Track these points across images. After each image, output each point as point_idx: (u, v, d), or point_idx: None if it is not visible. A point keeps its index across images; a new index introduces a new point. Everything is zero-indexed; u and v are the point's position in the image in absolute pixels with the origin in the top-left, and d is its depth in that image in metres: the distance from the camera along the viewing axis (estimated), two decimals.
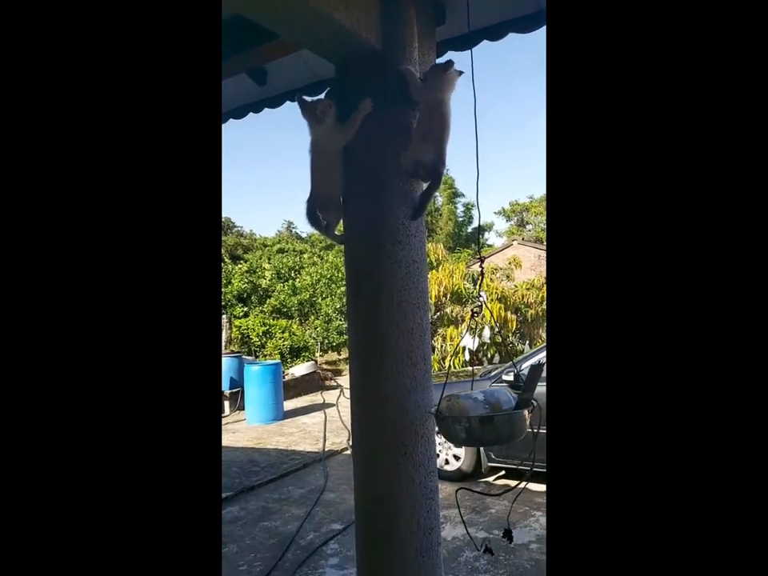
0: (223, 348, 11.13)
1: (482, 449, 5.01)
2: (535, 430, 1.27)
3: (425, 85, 1.51)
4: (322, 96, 1.74)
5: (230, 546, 3.88)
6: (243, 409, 8.40)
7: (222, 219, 27.48)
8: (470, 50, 1.64)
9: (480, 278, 1.57)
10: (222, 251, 21.98)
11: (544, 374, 1.19)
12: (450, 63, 1.50)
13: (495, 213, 34.07)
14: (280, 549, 3.76)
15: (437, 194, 24.65)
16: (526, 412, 1.27)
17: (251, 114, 2.43)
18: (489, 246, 26.86)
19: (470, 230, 27.98)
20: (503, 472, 5.25)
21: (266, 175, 56.78)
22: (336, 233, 1.65)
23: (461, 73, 1.51)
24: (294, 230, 30.12)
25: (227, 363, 9.05)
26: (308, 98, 1.61)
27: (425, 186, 1.60)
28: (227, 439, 7.15)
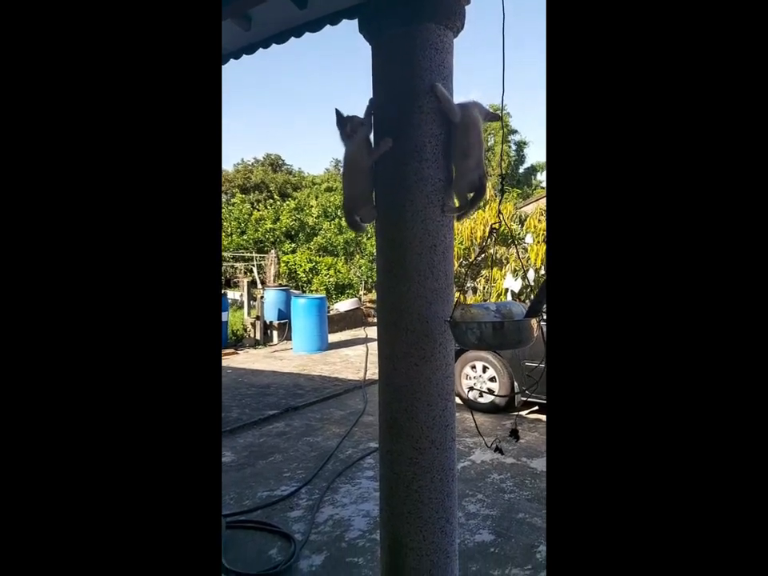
0: (271, 281, 11.56)
1: (516, 384, 5.15)
2: (542, 365, 1.37)
3: (459, 106, 1.56)
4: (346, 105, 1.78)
5: (275, 456, 4.25)
6: (290, 339, 8.84)
7: (272, 157, 27.64)
8: None
9: (498, 216, 1.60)
10: (272, 188, 22.23)
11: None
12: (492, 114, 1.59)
13: None
14: (321, 460, 4.08)
15: (492, 133, 23.69)
16: (534, 321, 1.37)
17: (293, 38, 2.45)
18: (542, 188, 25.89)
19: (521, 169, 26.95)
20: (536, 407, 5.39)
21: (313, 109, 56.04)
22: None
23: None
24: (341, 169, 29.97)
25: (275, 295, 9.45)
26: (342, 113, 1.69)
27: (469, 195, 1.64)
28: (275, 365, 7.60)
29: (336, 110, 1.69)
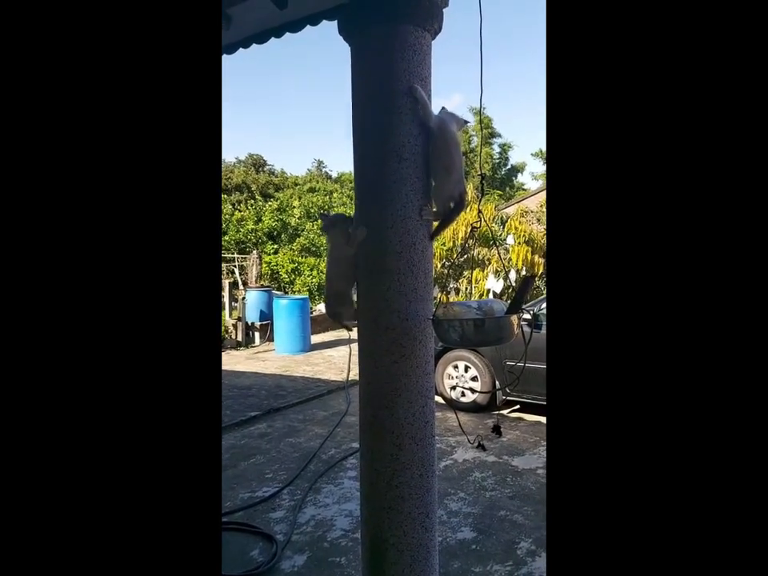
0: (253, 282, 11.48)
1: (497, 383, 5.20)
2: (521, 363, 1.42)
3: (437, 118, 1.57)
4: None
5: (257, 457, 4.23)
6: (273, 340, 8.78)
7: (255, 156, 27.45)
8: None
9: (478, 216, 1.62)
10: (254, 188, 22.08)
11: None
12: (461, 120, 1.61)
13: (532, 154, 32.78)
14: (303, 461, 4.07)
15: (473, 133, 23.85)
16: (514, 318, 1.40)
17: (273, 38, 2.45)
18: (524, 190, 26.12)
19: (503, 172, 27.18)
20: (518, 406, 5.45)
21: (296, 112, 55.85)
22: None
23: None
24: (324, 170, 30.02)
25: (257, 296, 9.39)
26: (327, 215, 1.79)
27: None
28: (257, 366, 7.55)
29: (322, 213, 1.77)
